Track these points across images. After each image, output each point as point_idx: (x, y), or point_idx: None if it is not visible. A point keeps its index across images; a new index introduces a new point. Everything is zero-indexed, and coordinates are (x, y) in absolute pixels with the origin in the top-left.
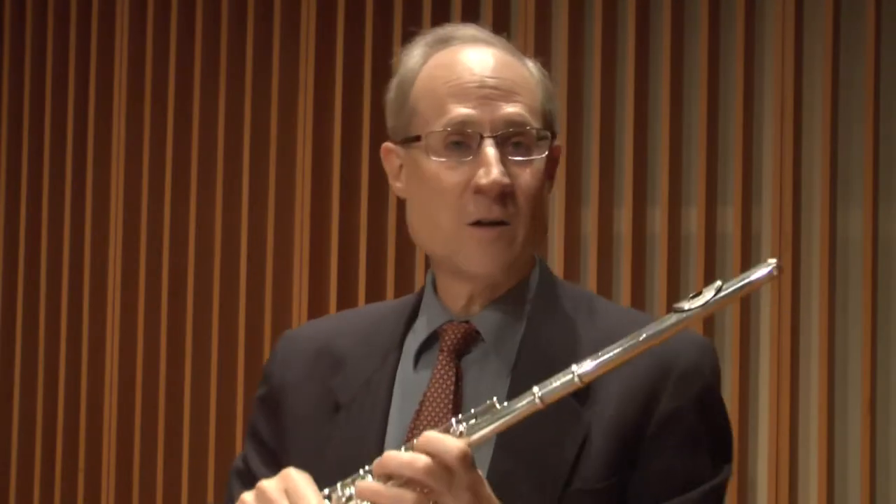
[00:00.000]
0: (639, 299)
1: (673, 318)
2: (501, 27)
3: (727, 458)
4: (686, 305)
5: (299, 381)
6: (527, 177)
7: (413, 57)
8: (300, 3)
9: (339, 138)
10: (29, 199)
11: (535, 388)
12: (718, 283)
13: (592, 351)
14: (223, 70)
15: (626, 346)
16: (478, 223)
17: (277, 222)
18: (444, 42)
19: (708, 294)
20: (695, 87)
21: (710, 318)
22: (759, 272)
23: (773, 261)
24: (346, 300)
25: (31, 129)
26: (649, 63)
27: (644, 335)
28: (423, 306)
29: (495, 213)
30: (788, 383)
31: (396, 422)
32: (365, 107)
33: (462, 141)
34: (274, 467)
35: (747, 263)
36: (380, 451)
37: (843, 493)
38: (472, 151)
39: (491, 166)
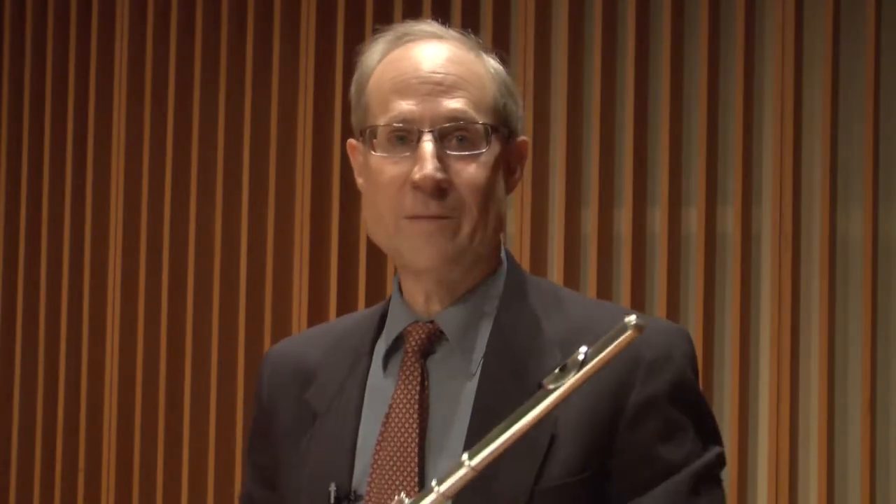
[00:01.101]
0: (639, 299)
1: (549, 398)
2: (501, 27)
3: (714, 440)
4: (551, 385)
5: (281, 398)
6: (470, 171)
7: (372, 54)
8: (300, 3)
9: (339, 138)
10: (29, 199)
11: (434, 482)
12: (582, 350)
13: (561, 347)
14: (223, 70)
15: (513, 429)
16: (416, 217)
17: (277, 222)
18: (401, 39)
19: (573, 367)
20: (695, 87)
21: (709, 318)
22: (621, 335)
23: (631, 317)
24: (346, 300)
25: (31, 129)
26: (649, 63)
27: (528, 416)
28: (390, 310)
29: (432, 208)
30: (788, 383)
31: (368, 426)
32: None
33: (405, 136)
34: (271, 489)
35: (747, 263)
36: (352, 457)
37: (843, 493)
38: (413, 146)
39: (425, 161)
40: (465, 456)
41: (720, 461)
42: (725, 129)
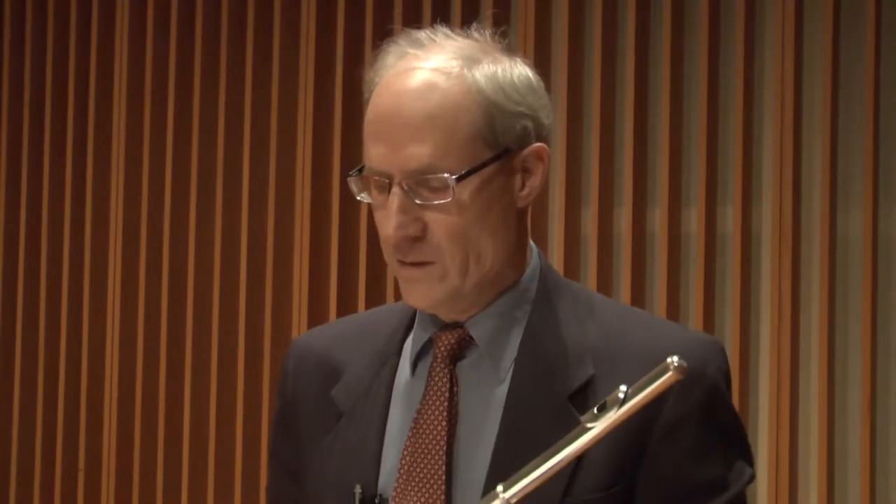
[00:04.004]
0: (639, 299)
1: (586, 436)
2: (501, 27)
3: (746, 460)
4: (589, 424)
5: (307, 392)
6: (442, 219)
7: (371, 83)
8: (300, 2)
9: (339, 138)
10: (29, 199)
11: None
12: (622, 388)
13: (593, 355)
14: (223, 70)
15: (548, 464)
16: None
17: (277, 222)
18: (386, 68)
19: (612, 405)
20: (695, 87)
21: (709, 318)
22: (663, 376)
23: (673, 358)
24: (346, 300)
25: (30, 129)
26: (649, 63)
27: (564, 452)
28: (419, 313)
29: (411, 256)
30: (788, 383)
31: (394, 430)
32: (366, 106)
33: (383, 184)
34: (296, 484)
35: (747, 263)
36: (378, 459)
37: (843, 493)
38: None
39: (389, 220)
40: (499, 488)
41: (750, 482)
42: (725, 129)
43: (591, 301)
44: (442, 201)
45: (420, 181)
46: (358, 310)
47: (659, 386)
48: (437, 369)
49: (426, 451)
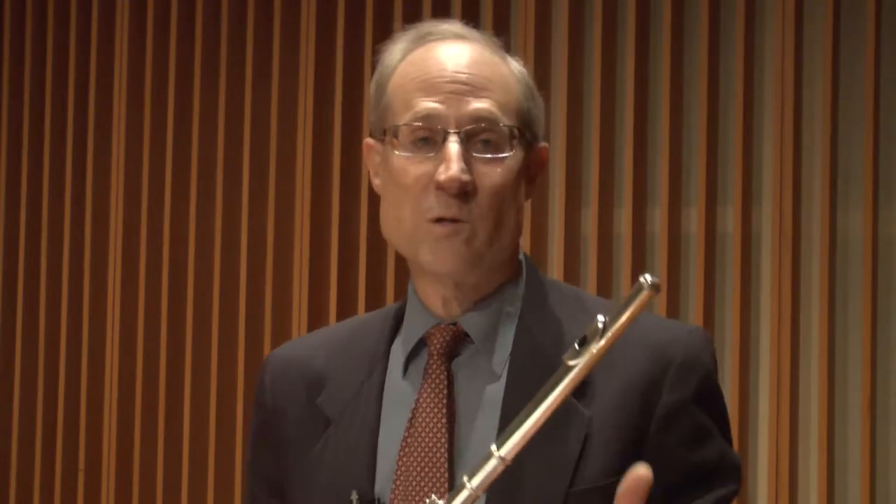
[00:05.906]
0: None
1: (571, 374)
2: (501, 27)
3: (731, 443)
4: (571, 361)
5: (288, 403)
6: (493, 176)
7: (392, 53)
8: (300, 2)
9: (339, 138)
10: (29, 199)
11: (465, 478)
12: (600, 318)
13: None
14: (223, 70)
15: (539, 411)
16: (437, 220)
17: (277, 222)
18: (423, 38)
19: (593, 337)
20: (695, 87)
21: (709, 318)
22: (638, 296)
23: (646, 276)
24: (345, 300)
25: (30, 129)
26: (649, 63)
27: (550, 397)
28: (407, 313)
29: (453, 210)
30: (788, 383)
31: (388, 431)
32: (365, 106)
33: (429, 136)
34: (279, 499)
35: (747, 263)
36: (372, 462)
37: (843, 493)
38: (437, 147)
39: (451, 162)
40: (493, 447)
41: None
42: (725, 129)
43: (579, 296)
44: (502, 154)
45: (473, 135)
46: (358, 310)
47: (636, 307)
48: (434, 367)
49: (426, 450)
